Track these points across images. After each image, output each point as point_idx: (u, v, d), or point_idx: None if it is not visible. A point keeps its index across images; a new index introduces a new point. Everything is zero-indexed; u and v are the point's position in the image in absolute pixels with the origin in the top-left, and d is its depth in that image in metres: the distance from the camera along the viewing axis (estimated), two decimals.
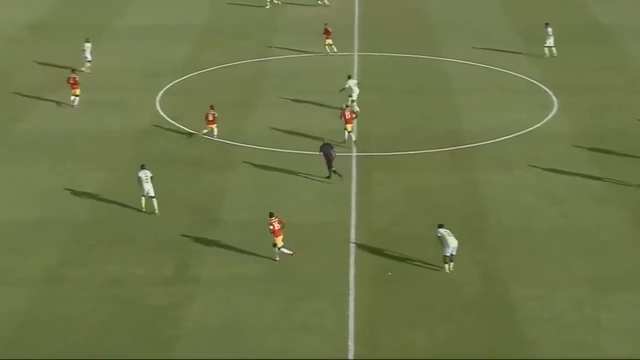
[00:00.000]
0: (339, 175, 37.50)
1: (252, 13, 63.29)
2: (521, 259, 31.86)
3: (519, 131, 43.02)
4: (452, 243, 30.71)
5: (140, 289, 29.84)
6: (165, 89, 48.58)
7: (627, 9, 63.72)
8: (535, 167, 39.14)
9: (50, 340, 27.29)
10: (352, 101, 44.54)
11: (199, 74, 50.93)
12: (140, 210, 34.69)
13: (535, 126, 43.78)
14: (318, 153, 37.78)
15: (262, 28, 59.55)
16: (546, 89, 48.84)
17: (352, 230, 33.70)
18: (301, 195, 36.51)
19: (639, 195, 36.49)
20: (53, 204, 35.62)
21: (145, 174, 34.89)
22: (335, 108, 43.92)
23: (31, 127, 43.42)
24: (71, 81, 45.84)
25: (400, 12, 64.07)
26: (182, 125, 43.39)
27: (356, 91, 45.07)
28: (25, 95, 47.42)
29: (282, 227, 31.36)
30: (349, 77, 45.84)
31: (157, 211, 34.55)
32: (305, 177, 38.11)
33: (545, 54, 53.35)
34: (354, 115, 41.44)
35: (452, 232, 31.00)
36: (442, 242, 30.90)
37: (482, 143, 41.75)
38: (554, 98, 47.47)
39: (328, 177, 37.54)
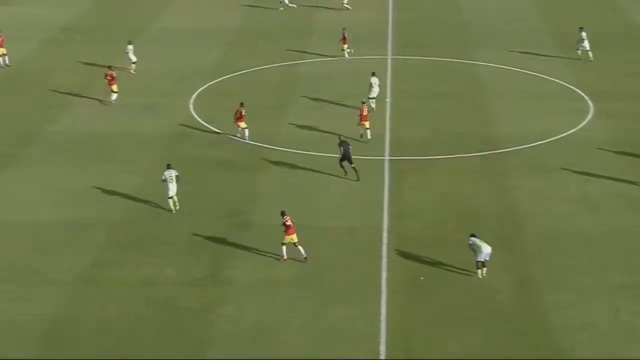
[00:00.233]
0: (357, 175, 37.53)
1: (284, 16, 63.38)
2: (555, 265, 31.52)
3: (553, 136, 42.62)
4: (486, 249, 30.46)
5: (172, 291, 29.91)
6: (198, 91, 48.75)
7: None
8: (570, 173, 38.74)
9: (82, 340, 27.43)
10: (369, 98, 44.84)
11: (232, 77, 51.06)
12: (170, 211, 34.83)
13: (570, 131, 43.35)
14: (338, 150, 37.95)
15: (294, 31, 59.59)
16: (582, 94, 48.36)
17: (384, 235, 33.55)
18: (334, 199, 36.42)
19: None
20: (86, 205, 35.84)
21: (170, 174, 35.11)
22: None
23: (65, 129, 43.76)
24: (108, 77, 46.54)
25: (434, 16, 63.87)
26: (215, 127, 43.50)
27: (376, 90, 45.29)
28: (59, 97, 47.83)
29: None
30: (373, 74, 45.93)
31: (175, 209, 34.84)
32: (337, 180, 38.01)
33: (579, 57, 52.86)
34: (369, 112, 42.06)
35: (484, 239, 30.74)
36: (474, 249, 30.66)
37: (516, 148, 41.41)
38: (590, 103, 46.98)
39: (357, 179, 37.56)
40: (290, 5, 64.47)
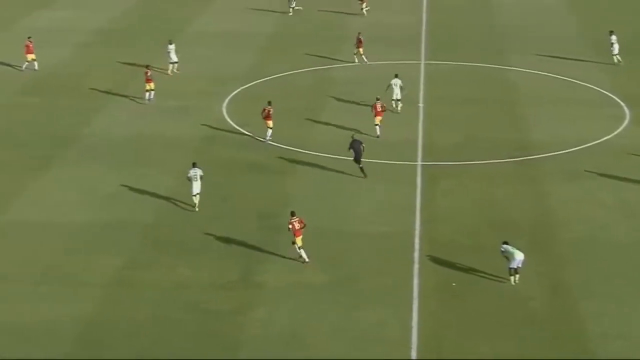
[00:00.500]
0: (364, 173, 37.77)
1: (316, 21, 63.42)
2: (590, 272, 31.22)
3: (588, 143, 42.24)
4: (519, 256, 30.22)
5: (204, 294, 30.00)
6: (231, 95, 48.94)
7: None
8: (605, 179, 38.36)
9: (114, 342, 27.58)
10: (392, 100, 45.23)
11: (265, 81, 51.19)
12: (194, 208, 35.09)
13: (605, 138, 42.94)
14: (348, 149, 38.39)
15: (327, 36, 59.59)
16: (618, 100, 47.89)
17: (417, 240, 33.42)
18: (365, 204, 36.36)
19: None
20: (120, 207, 36.09)
21: (195, 173, 35.38)
22: (403, 116, 43.77)
23: (100, 131, 44.10)
24: (147, 76, 47.13)
25: (468, 20, 63.60)
26: (248, 131, 43.62)
27: (396, 91, 45.51)
28: (95, 100, 48.21)
29: (303, 227, 31.47)
30: (396, 76, 46.02)
31: (196, 208, 35.25)
32: (369, 185, 37.94)
33: (614, 62, 52.42)
34: (384, 108, 42.53)
35: (517, 246, 30.51)
36: (507, 256, 30.44)
37: (550, 154, 41.10)
38: (626, 110, 46.51)
39: (364, 176, 37.91)
40: (297, 8, 64.77)
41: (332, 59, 54.74)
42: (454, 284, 30.58)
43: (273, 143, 42.09)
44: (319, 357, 26.82)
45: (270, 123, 42.01)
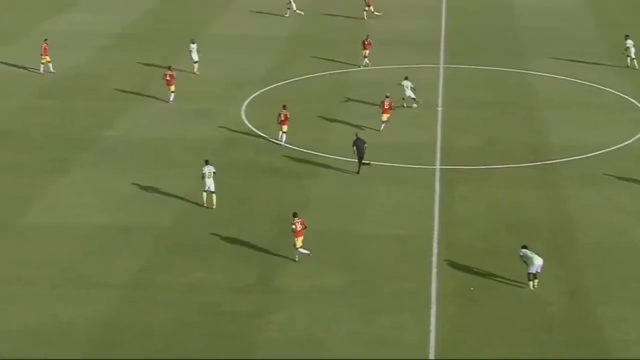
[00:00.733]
0: (369, 163, 38.63)
1: (335, 25, 63.37)
2: (609, 278, 30.99)
3: (608, 147, 41.95)
4: (537, 261, 30.04)
5: (221, 297, 30.00)
6: (250, 98, 48.98)
7: None
8: (625, 184, 38.09)
9: (131, 344, 27.62)
10: (406, 98, 45.94)
11: (284, 84, 51.20)
12: (203, 206, 35.33)
13: (625, 143, 42.63)
14: (352, 147, 38.98)
15: (345, 40, 59.49)
16: (638, 104, 47.55)
17: (435, 244, 33.30)
18: (383, 207, 36.26)
19: None
20: (138, 209, 36.17)
21: (209, 170, 35.70)
22: (422, 120, 43.67)
23: (119, 133, 44.24)
24: (167, 78, 47.77)
25: (487, 24, 63.38)
26: (266, 134, 43.64)
27: (407, 93, 46.00)
28: (115, 102, 48.37)
29: (304, 229, 31.68)
30: (406, 78, 46.67)
31: (214, 206, 35.57)
32: (387, 188, 37.85)
33: (628, 66, 52.10)
34: (391, 106, 43.31)
35: (535, 250, 30.33)
36: (526, 261, 30.26)
37: (570, 159, 40.85)
38: None
39: (357, 172, 38.54)
40: (298, 12, 64.71)
41: (349, 63, 54.61)
42: (472, 289, 30.43)
43: (289, 146, 42.07)
44: None
45: (284, 127, 42.00)
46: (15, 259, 32.50)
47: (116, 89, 50.18)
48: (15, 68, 53.40)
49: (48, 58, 52.18)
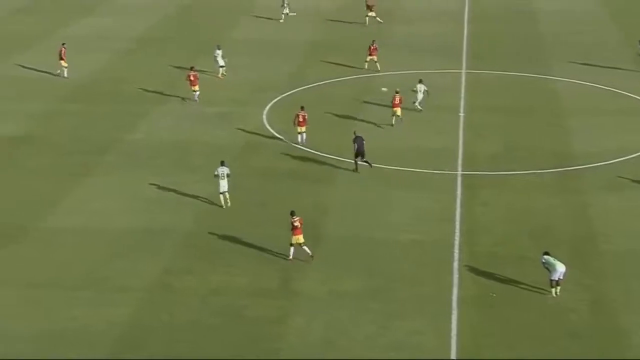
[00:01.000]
0: (355, 168, 38.90)
1: (356, 30, 63.37)
2: (632, 285, 30.75)
3: (631, 154, 41.67)
4: (560, 268, 29.86)
5: (242, 301, 30.03)
6: (272, 103, 49.06)
7: None
8: None
9: (152, 347, 27.69)
10: (413, 102, 46.34)
11: (305, 89, 51.25)
12: (223, 207, 35.09)
13: None
14: (352, 145, 39.35)
15: (366, 45, 59.45)
16: None
17: (456, 250, 33.18)
18: (404, 212, 36.18)
19: None
20: (160, 213, 36.28)
21: (222, 171, 35.95)
22: (443, 125, 43.48)
23: (141, 137, 44.42)
24: (191, 78, 48.39)
25: (509, 29, 63.19)
26: (287, 139, 43.68)
27: (420, 97, 46.33)
28: (137, 106, 48.60)
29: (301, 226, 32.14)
30: (420, 81, 46.87)
31: (229, 204, 36.03)
32: (408, 193, 37.77)
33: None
34: (402, 101, 44.04)
35: (558, 257, 30.16)
36: (548, 267, 30.08)
37: (592, 165, 40.61)
38: None
39: (355, 170, 38.98)
40: (291, 14, 64.91)
41: (370, 69, 54.57)
42: (493, 295, 30.29)
43: (310, 150, 42.08)
44: None
45: (303, 128, 42.22)
46: (38, 262, 32.68)
47: (138, 93, 50.43)
48: (38, 72, 53.77)
49: (65, 63, 52.38)
